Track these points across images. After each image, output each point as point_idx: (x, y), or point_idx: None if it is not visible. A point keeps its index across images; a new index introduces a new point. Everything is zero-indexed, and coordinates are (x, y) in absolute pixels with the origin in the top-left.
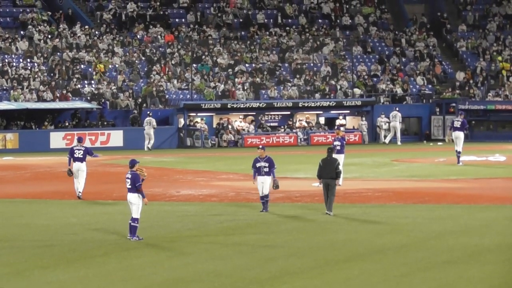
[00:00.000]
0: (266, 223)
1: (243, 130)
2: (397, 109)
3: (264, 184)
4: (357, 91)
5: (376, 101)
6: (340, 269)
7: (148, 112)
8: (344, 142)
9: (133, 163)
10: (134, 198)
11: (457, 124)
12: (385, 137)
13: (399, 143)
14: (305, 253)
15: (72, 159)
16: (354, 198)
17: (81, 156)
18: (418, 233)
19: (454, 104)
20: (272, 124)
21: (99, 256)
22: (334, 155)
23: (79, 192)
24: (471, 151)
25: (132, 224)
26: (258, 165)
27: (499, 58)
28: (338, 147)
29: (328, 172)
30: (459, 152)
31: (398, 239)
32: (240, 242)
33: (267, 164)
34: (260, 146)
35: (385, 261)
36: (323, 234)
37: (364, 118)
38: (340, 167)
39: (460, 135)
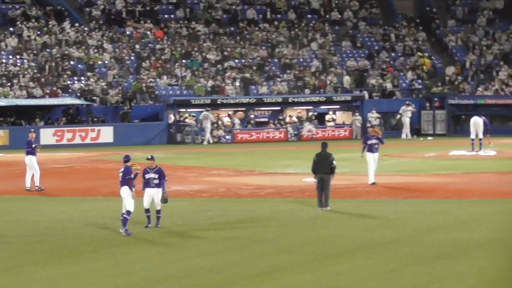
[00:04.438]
0: (257, 219)
1: (233, 125)
2: (407, 102)
3: (154, 197)
4: (347, 80)
5: (366, 96)
6: (330, 264)
7: (206, 108)
8: (383, 141)
9: (127, 158)
10: (124, 192)
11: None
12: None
13: (403, 136)
14: (296, 248)
15: None
16: (344, 193)
17: (27, 149)
18: (408, 228)
19: (436, 99)
20: (262, 120)
21: (89, 252)
22: (371, 154)
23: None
24: (461, 145)
25: (121, 217)
26: (147, 176)
27: (419, 53)
28: (376, 146)
29: (323, 167)
30: (480, 139)
31: (388, 234)
32: (230, 238)
33: (157, 176)
34: (149, 156)
35: (375, 256)
36: (313, 229)
37: (357, 114)
38: (335, 162)
39: (479, 122)
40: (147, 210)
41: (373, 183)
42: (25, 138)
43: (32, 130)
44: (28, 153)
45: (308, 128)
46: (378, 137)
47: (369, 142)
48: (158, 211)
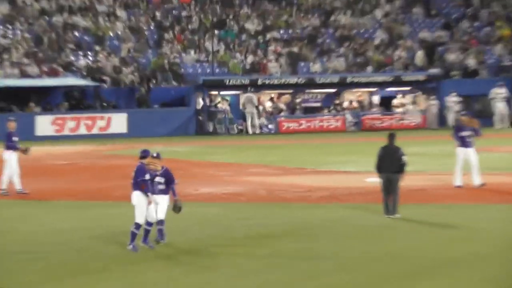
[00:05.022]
0: (307, 229)
1: (278, 112)
2: (500, 83)
3: (159, 205)
4: (419, 55)
5: (444, 76)
6: (399, 286)
7: (249, 88)
8: (480, 133)
9: (145, 154)
10: (135, 198)
11: None
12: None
13: (497, 126)
14: (356, 266)
15: None
16: (418, 196)
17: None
18: (498, 241)
19: None
20: (313, 105)
21: (96, 272)
22: (464, 149)
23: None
24: None
25: (131, 230)
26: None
27: (498, 22)
28: (470, 139)
29: (390, 164)
30: None
31: (474, 248)
32: (274, 253)
33: (163, 180)
34: (154, 154)
35: (457, 277)
36: (378, 243)
37: (435, 97)
38: (405, 158)
39: None
40: (150, 224)
41: (459, 186)
42: (17, 127)
43: (12, 118)
44: (7, 147)
45: (413, 114)
46: (473, 128)
47: (462, 134)
48: (159, 222)
